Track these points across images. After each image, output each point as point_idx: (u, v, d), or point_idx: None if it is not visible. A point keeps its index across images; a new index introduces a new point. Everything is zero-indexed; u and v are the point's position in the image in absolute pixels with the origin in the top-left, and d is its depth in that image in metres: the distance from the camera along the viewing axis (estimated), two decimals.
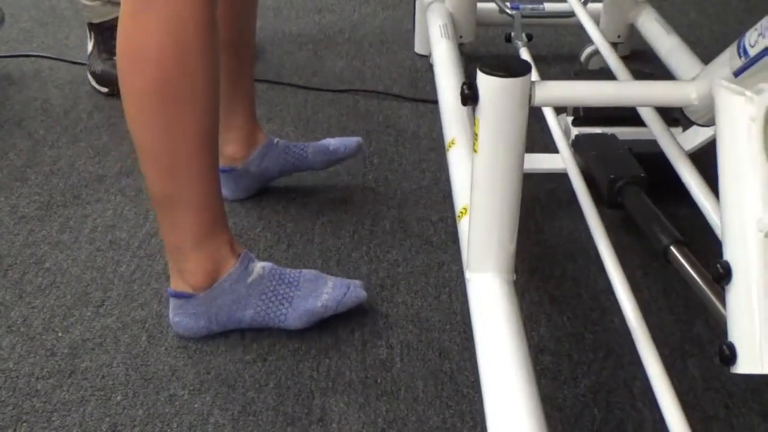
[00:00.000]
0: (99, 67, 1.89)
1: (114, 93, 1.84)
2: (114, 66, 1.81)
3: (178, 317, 1.19)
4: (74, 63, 2.06)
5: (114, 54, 1.81)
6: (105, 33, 1.89)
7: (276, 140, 1.49)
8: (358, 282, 1.23)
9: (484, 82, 0.90)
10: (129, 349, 1.19)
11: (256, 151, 1.46)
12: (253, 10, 1.41)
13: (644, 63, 2.04)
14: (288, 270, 1.22)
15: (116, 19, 1.76)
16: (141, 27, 1.01)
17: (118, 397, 1.10)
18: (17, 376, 1.14)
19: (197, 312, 1.18)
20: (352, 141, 1.51)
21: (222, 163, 1.43)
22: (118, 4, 1.03)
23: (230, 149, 1.44)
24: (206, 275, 1.16)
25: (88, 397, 1.10)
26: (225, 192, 1.35)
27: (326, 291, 1.19)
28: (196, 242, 1.14)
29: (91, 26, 1.92)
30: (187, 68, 1.03)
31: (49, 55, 2.08)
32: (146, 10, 1.00)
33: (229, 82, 1.38)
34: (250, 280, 1.18)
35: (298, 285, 1.20)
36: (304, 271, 1.23)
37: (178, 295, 1.17)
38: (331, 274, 1.32)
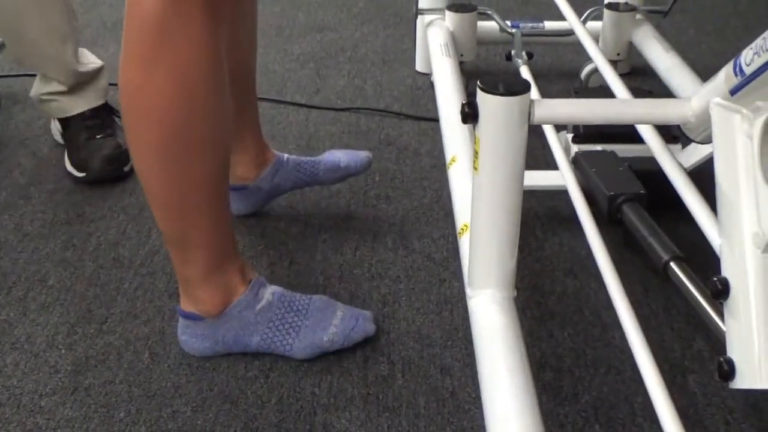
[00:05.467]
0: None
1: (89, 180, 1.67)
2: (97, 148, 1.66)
3: (185, 336, 1.19)
4: None
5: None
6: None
7: (286, 156, 1.50)
8: (368, 314, 1.22)
9: (484, 100, 0.92)
10: (132, 366, 1.19)
11: (266, 170, 1.47)
12: (253, 38, 1.40)
13: (644, 80, 2.05)
14: (298, 296, 1.21)
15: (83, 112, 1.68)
16: (147, 79, 0.99)
17: (121, 414, 1.11)
18: (21, 393, 1.14)
19: (204, 334, 1.18)
20: (362, 156, 1.51)
21: (233, 182, 1.44)
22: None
23: (240, 170, 1.45)
24: (216, 304, 1.16)
25: (92, 414, 1.11)
26: (233, 208, 1.35)
27: (334, 323, 1.19)
28: (207, 275, 1.14)
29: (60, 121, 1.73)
30: (196, 115, 1.02)
31: None
32: (152, 61, 0.98)
33: (236, 111, 1.37)
34: (258, 307, 1.18)
35: (306, 314, 1.20)
36: (315, 297, 1.22)
37: (187, 316, 1.18)
38: (334, 292, 1.33)
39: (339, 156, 1.51)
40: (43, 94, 1.69)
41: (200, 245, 1.12)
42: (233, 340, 1.18)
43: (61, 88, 1.67)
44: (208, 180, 1.08)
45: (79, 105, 1.70)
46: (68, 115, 1.70)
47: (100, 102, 1.73)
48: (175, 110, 1.00)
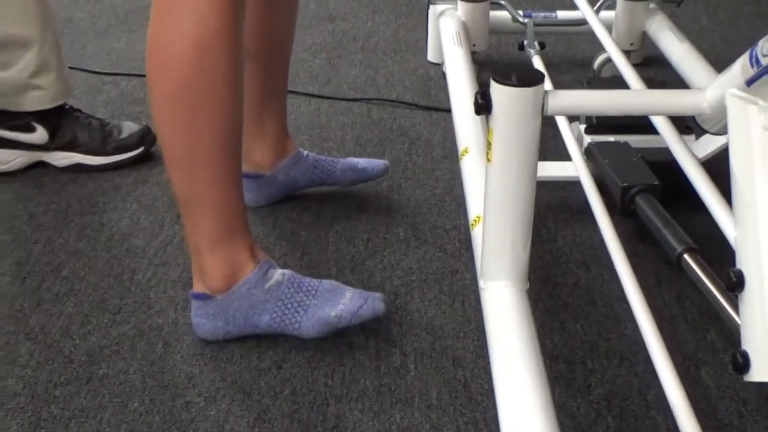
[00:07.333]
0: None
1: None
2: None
3: (197, 318, 1.20)
4: (91, 72, 2.08)
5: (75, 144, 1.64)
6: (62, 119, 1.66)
7: (306, 153, 1.51)
8: (378, 294, 1.22)
9: (498, 91, 0.91)
10: (146, 356, 1.19)
11: (284, 161, 1.48)
12: (291, 20, 1.42)
13: (658, 70, 2.04)
14: (308, 279, 1.22)
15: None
16: (166, 32, 1.05)
17: (135, 404, 1.11)
18: (35, 383, 1.15)
19: (215, 313, 1.19)
20: (380, 162, 1.53)
21: (250, 169, 1.45)
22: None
23: (259, 156, 1.46)
24: (224, 278, 1.17)
25: (106, 404, 1.11)
26: (247, 198, 1.36)
27: (343, 302, 1.19)
28: (214, 244, 1.15)
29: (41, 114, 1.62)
30: (206, 72, 1.05)
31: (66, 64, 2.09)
32: (171, 16, 1.04)
33: (261, 90, 1.40)
34: (267, 285, 1.18)
35: (315, 294, 1.20)
36: (324, 281, 1.23)
37: (198, 296, 1.19)
38: (346, 283, 1.33)
39: (358, 160, 1.53)
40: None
41: (208, 209, 1.14)
42: (243, 319, 1.18)
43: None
44: (215, 140, 1.10)
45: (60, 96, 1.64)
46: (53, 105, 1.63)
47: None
48: (186, 64, 1.04)
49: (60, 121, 1.64)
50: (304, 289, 1.20)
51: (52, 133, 1.63)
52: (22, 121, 1.61)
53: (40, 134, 1.62)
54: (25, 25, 1.55)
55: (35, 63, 1.57)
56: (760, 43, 0.83)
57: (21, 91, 1.59)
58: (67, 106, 1.67)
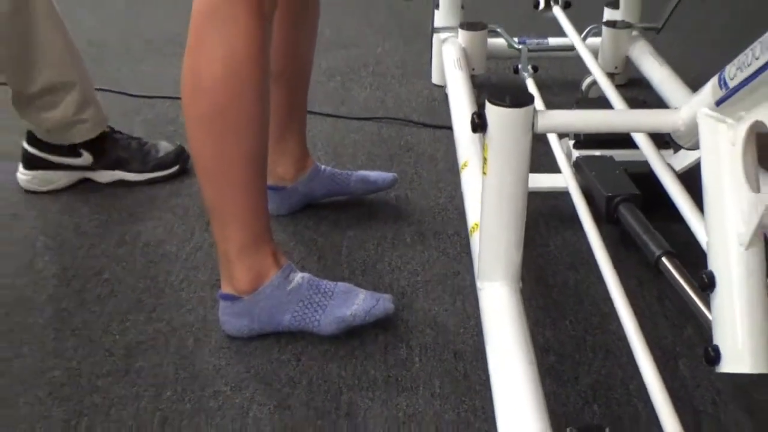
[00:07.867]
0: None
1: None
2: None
3: (225, 317, 1.21)
4: (127, 95, 2.10)
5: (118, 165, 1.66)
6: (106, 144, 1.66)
7: (323, 167, 1.52)
8: (388, 296, 1.23)
9: (492, 111, 0.92)
10: (178, 350, 1.21)
11: (304, 175, 1.50)
12: (310, 45, 1.43)
13: (640, 90, 2.04)
14: (325, 281, 1.23)
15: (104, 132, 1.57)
16: (201, 59, 1.05)
17: (168, 393, 1.13)
18: (79, 375, 1.16)
19: (241, 312, 1.20)
20: (389, 175, 1.55)
21: (273, 182, 1.46)
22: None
23: (281, 170, 1.48)
24: (250, 282, 1.18)
25: (142, 393, 1.13)
26: (270, 207, 1.38)
27: (357, 302, 1.20)
28: (241, 251, 1.16)
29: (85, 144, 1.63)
30: (237, 95, 1.06)
31: (103, 87, 2.11)
32: (205, 44, 1.04)
33: (284, 111, 1.41)
34: (289, 288, 1.20)
35: (332, 295, 1.21)
36: (339, 283, 1.24)
37: (226, 297, 1.20)
38: (357, 284, 1.34)
39: (369, 173, 1.55)
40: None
41: (237, 219, 1.15)
42: (267, 317, 1.20)
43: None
44: (243, 158, 1.11)
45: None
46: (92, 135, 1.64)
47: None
48: (219, 88, 1.05)
49: (103, 146, 1.66)
50: (322, 290, 1.21)
51: (96, 156, 1.66)
52: (70, 148, 1.65)
53: (85, 158, 1.65)
54: (65, 72, 1.58)
55: (77, 101, 1.60)
56: (728, 68, 0.84)
57: (69, 127, 1.61)
58: (107, 130, 1.69)
